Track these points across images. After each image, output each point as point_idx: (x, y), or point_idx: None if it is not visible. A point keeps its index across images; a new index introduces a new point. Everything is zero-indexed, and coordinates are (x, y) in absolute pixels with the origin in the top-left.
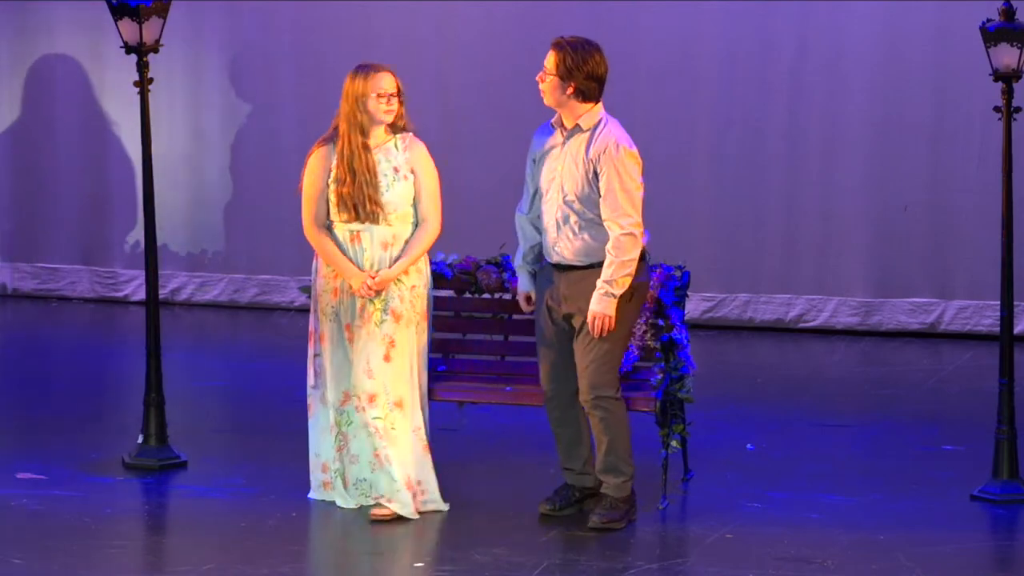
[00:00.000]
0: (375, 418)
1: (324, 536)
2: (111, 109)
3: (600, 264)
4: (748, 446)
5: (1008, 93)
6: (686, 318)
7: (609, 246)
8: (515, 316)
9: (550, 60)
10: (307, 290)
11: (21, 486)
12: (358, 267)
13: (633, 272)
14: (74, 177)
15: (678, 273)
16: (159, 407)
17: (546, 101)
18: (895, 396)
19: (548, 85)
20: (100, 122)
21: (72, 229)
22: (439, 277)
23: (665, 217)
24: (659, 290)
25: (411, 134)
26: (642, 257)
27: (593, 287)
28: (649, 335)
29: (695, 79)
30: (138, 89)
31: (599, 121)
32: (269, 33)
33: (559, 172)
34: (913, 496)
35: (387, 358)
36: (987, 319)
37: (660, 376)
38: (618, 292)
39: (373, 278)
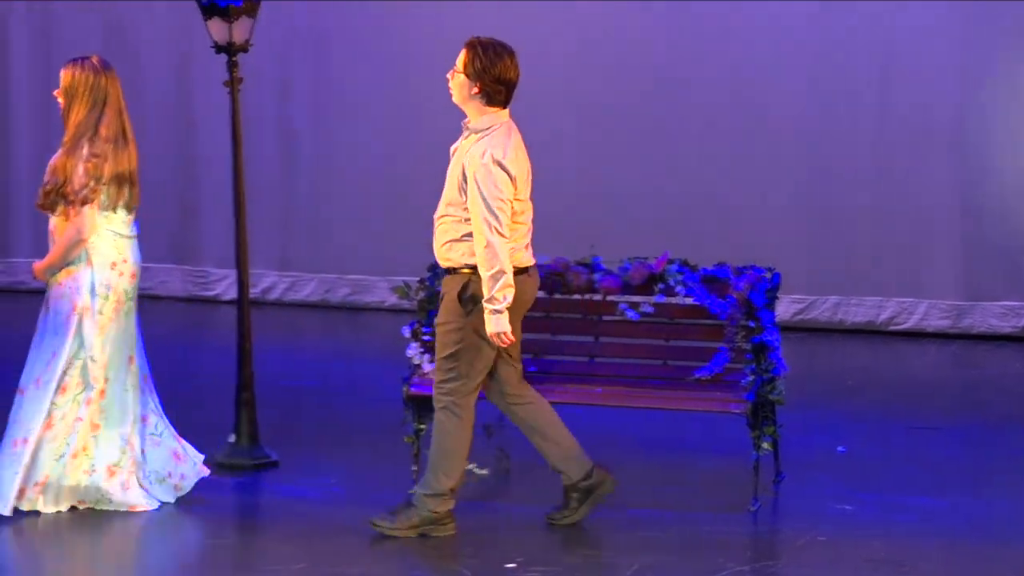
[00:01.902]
0: None
1: (414, 536)
2: (201, 109)
3: (453, 269)
4: (839, 448)
5: None
6: (776, 320)
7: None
8: (605, 317)
9: (460, 58)
10: (399, 290)
11: None
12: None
13: (510, 283)
14: (165, 176)
15: (768, 275)
16: (251, 406)
17: (453, 99)
18: (987, 399)
19: (455, 83)
20: (190, 121)
21: (163, 228)
22: None
23: (756, 219)
24: (749, 292)
25: (66, 144)
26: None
27: (446, 295)
28: (740, 337)
29: (777, 79)
30: (228, 89)
31: (490, 127)
32: (354, 33)
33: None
34: (1005, 499)
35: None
36: None
37: (751, 378)
38: (500, 306)
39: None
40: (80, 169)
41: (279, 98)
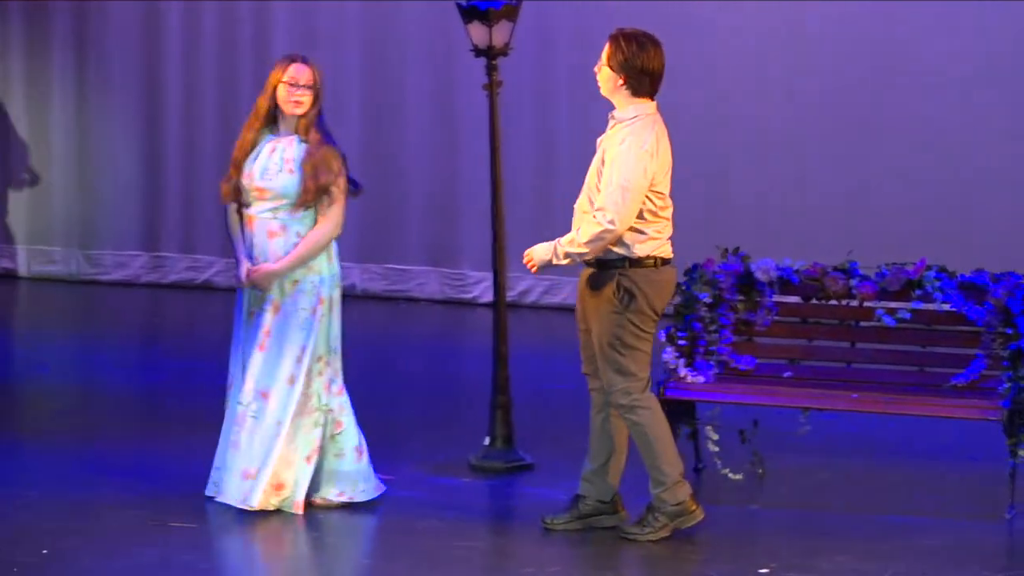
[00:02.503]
0: (238, 404)
1: (664, 540)
2: (460, 112)
3: (604, 262)
4: None
5: None
6: None
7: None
8: (862, 323)
9: (604, 51)
10: None
11: None
12: (249, 253)
13: (583, 254)
14: (423, 179)
15: None
16: (506, 409)
17: (601, 91)
18: None
19: (601, 76)
20: (449, 125)
21: (421, 231)
22: (786, 283)
23: (1014, 225)
24: (1007, 298)
25: (319, 138)
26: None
27: (591, 293)
28: (997, 344)
29: None
30: (487, 92)
31: (635, 116)
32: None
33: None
34: None
35: (261, 347)
36: None
37: (1008, 385)
38: (560, 250)
39: (254, 269)
40: (336, 165)
41: (537, 100)
